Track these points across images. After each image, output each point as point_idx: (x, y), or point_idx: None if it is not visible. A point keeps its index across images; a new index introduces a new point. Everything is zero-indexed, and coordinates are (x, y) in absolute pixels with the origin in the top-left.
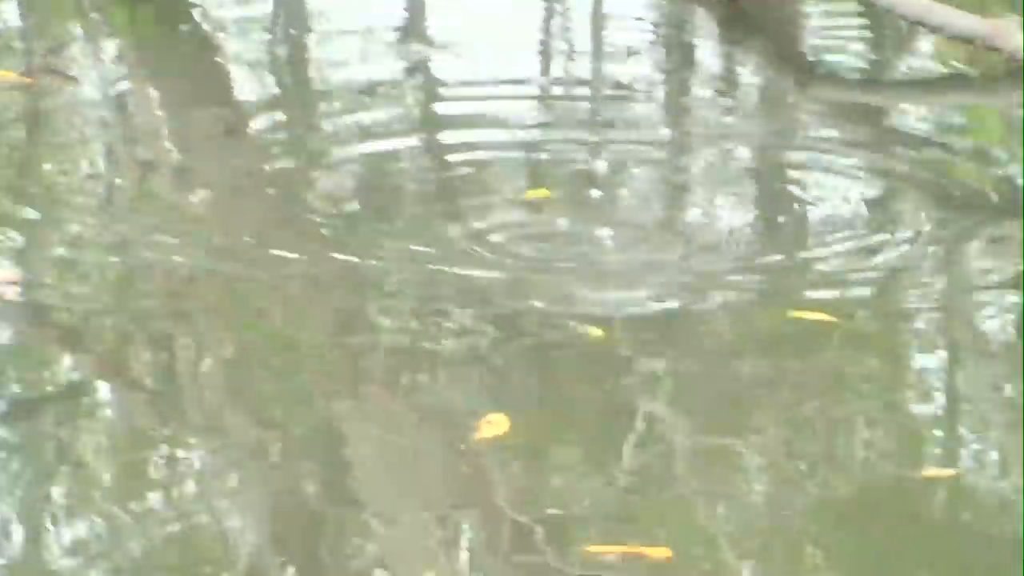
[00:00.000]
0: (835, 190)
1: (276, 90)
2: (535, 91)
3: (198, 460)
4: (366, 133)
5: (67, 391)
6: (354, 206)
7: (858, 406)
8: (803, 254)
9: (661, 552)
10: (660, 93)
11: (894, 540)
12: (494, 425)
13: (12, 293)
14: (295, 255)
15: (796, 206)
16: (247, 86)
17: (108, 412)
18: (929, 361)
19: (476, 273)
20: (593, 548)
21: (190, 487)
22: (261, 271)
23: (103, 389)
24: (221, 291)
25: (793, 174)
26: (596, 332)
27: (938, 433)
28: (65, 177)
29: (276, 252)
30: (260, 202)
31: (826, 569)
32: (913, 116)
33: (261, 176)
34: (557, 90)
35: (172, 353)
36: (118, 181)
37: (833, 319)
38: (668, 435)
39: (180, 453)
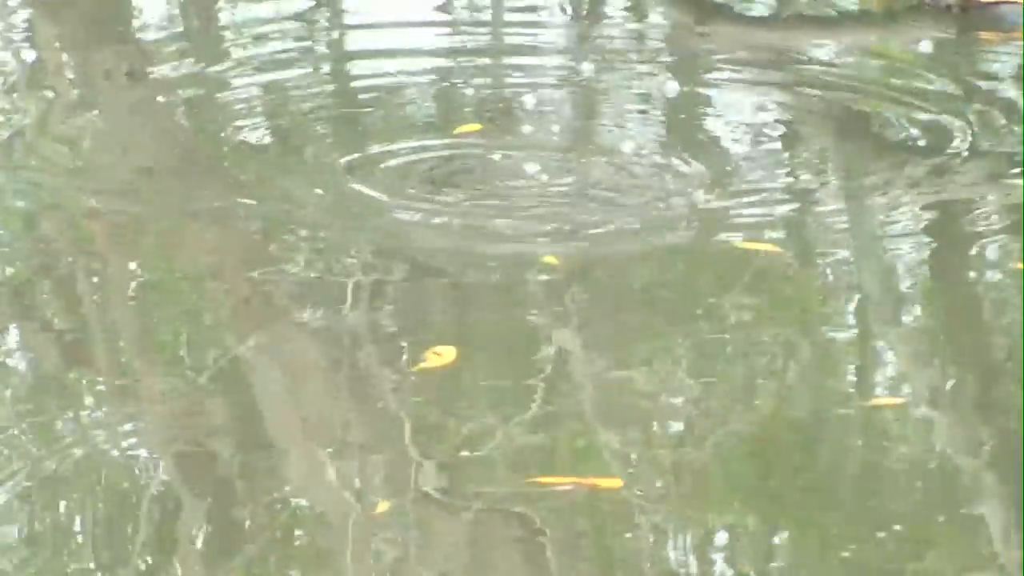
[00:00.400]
0: (750, 123)
1: (181, 23)
2: (446, 21)
3: (110, 400)
4: (273, 65)
5: None
6: (263, 138)
7: (805, 335)
8: (729, 188)
9: (611, 482)
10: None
11: (842, 466)
12: (441, 356)
13: None
14: (201, 192)
15: (714, 139)
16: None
17: (15, 350)
18: (870, 293)
19: (387, 201)
20: (543, 479)
21: (100, 426)
22: (166, 208)
23: (9, 328)
24: (126, 229)
25: (705, 107)
26: (550, 259)
27: (886, 363)
28: None
29: (181, 190)
30: (163, 135)
31: (776, 495)
32: (818, 52)
33: (163, 108)
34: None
35: (77, 292)
36: (21, 120)
37: (778, 250)
38: (615, 369)
39: (88, 396)
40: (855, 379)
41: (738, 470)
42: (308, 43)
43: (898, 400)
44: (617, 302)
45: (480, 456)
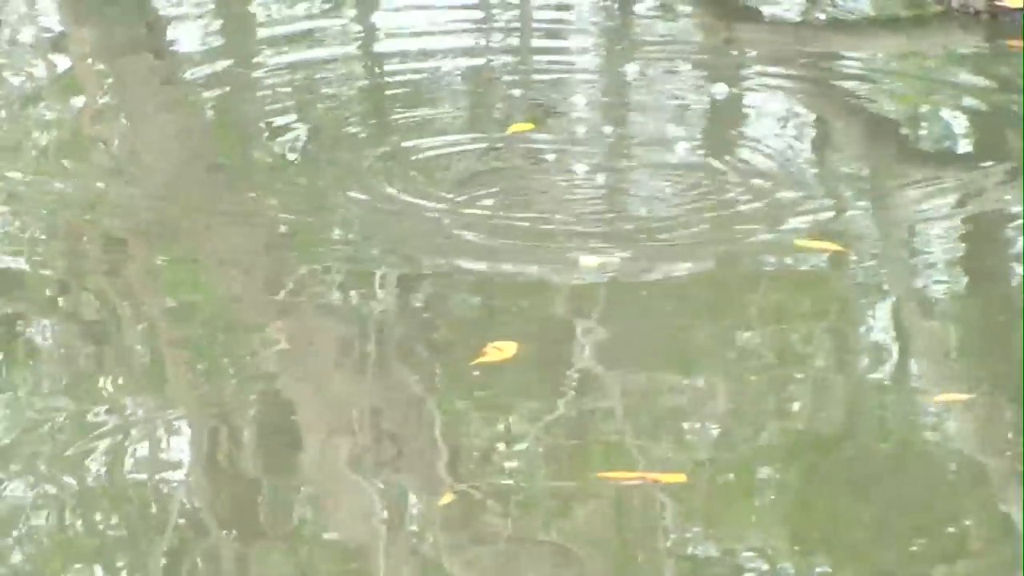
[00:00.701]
0: (783, 126)
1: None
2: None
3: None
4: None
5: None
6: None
7: (871, 330)
8: (771, 189)
9: (675, 478)
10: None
11: (908, 462)
12: (502, 351)
13: None
14: (230, 206)
15: (750, 140)
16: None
17: (45, 359)
18: (934, 290)
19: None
20: (607, 474)
21: (132, 419)
22: (197, 220)
23: (39, 337)
24: (156, 230)
25: (738, 110)
26: (596, 262)
27: (952, 358)
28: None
29: (211, 188)
30: (191, 129)
31: (840, 493)
32: (846, 57)
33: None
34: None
35: (109, 291)
36: (54, 128)
37: (839, 248)
38: (679, 365)
39: (119, 392)
40: (918, 375)
41: (812, 470)
42: (340, 31)
43: (965, 396)
44: (676, 300)
45: (540, 451)
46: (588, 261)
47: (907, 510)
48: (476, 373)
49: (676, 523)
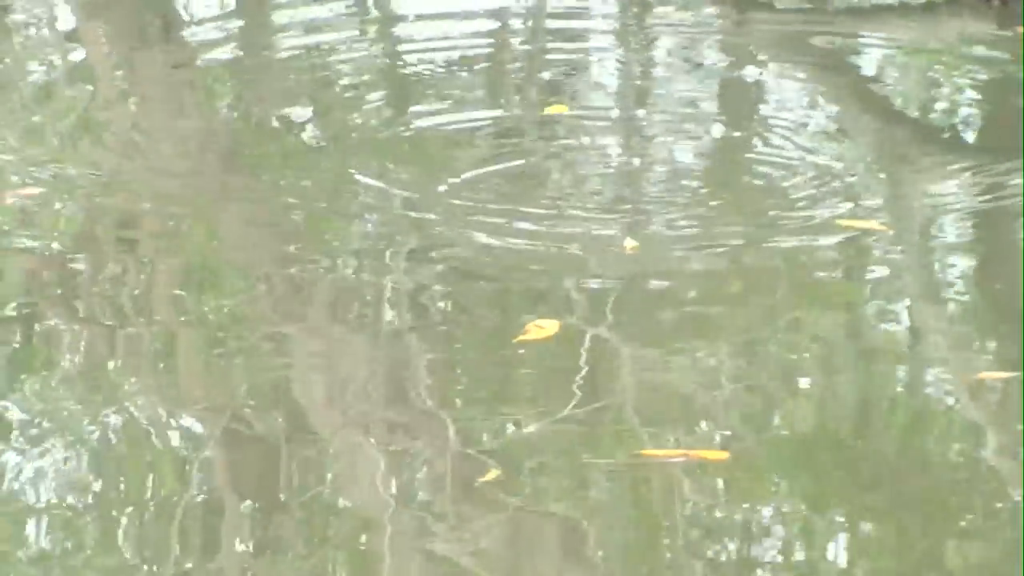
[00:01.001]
0: (798, 110)
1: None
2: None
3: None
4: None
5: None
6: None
7: (907, 308)
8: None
9: (718, 455)
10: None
11: (948, 441)
12: (544, 328)
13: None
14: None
15: (766, 124)
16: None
17: (62, 335)
18: (971, 270)
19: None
20: (649, 452)
21: (141, 404)
22: (212, 195)
23: (56, 314)
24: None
25: (753, 94)
26: (632, 243)
27: (989, 336)
28: (16, 112)
29: (226, 174)
30: (205, 113)
31: (876, 469)
32: (858, 43)
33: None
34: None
35: (124, 281)
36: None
37: (881, 227)
38: (724, 341)
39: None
40: (956, 353)
41: (854, 447)
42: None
43: (1004, 374)
44: (713, 281)
45: (580, 429)
46: (631, 243)
47: (949, 485)
48: (521, 351)
49: (721, 500)
